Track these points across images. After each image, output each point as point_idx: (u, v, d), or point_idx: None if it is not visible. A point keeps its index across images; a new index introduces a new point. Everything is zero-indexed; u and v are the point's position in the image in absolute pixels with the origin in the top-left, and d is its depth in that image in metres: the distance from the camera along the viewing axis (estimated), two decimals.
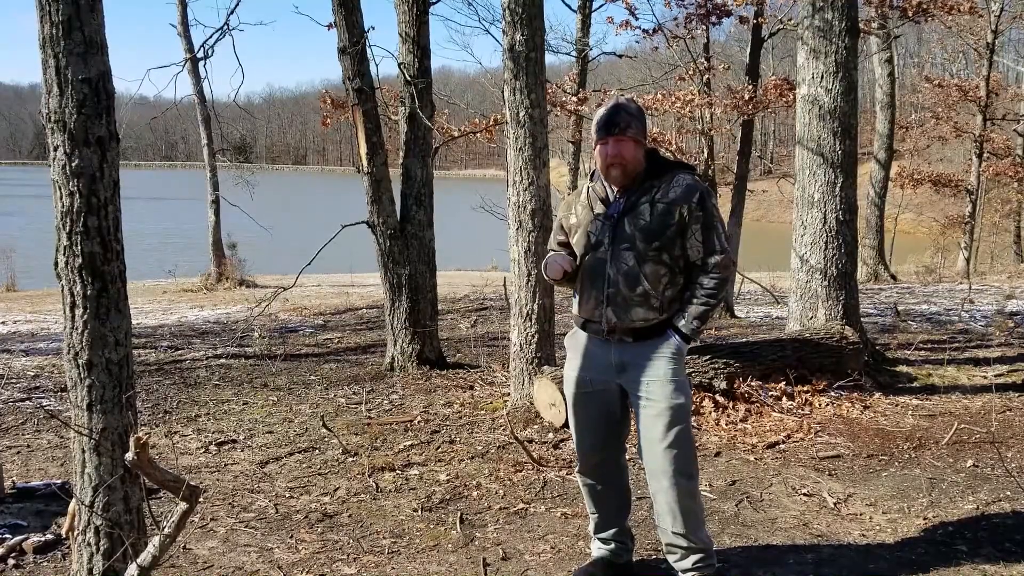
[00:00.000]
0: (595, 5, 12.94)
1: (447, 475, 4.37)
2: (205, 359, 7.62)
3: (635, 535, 3.32)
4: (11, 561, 3.36)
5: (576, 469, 3.21)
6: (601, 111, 2.98)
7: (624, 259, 2.90)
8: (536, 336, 5.39)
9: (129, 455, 2.22)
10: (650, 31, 10.20)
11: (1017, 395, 5.83)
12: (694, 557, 2.96)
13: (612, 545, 3.19)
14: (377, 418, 5.50)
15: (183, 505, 2.28)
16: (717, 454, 4.66)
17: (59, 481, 4.18)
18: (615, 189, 2.98)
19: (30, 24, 2.51)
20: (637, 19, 9.57)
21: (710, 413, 5.22)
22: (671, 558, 3.01)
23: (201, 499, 3.52)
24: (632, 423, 3.12)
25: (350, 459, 4.65)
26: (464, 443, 4.92)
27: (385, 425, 5.31)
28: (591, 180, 3.08)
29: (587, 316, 3.00)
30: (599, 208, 3.00)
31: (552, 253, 3.14)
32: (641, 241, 2.88)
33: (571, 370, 3.11)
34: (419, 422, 5.35)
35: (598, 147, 2.95)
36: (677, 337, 2.91)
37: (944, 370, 6.48)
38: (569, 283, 3.11)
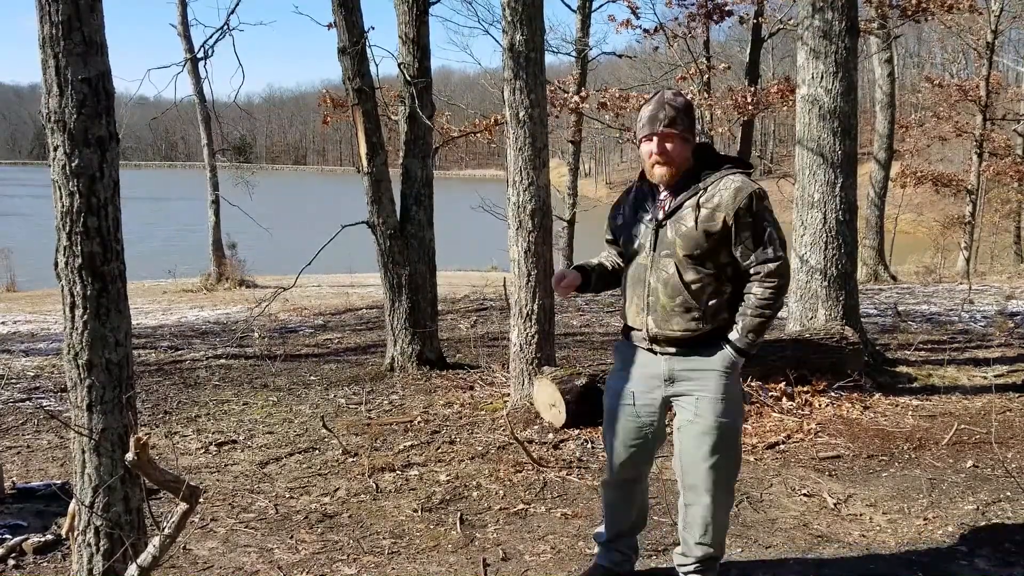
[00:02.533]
0: (595, 5, 12.96)
1: (447, 475, 4.37)
2: (205, 359, 7.62)
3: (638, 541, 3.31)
4: (11, 561, 3.36)
5: (603, 480, 3.12)
6: (645, 106, 2.82)
7: (664, 266, 2.75)
8: (536, 336, 5.38)
9: (129, 455, 2.22)
10: (651, 30, 10.22)
11: (1017, 395, 5.82)
12: (697, 564, 2.94)
13: (615, 555, 3.13)
14: (377, 418, 5.50)
15: (183, 505, 2.28)
16: None
17: (59, 481, 4.18)
18: (661, 189, 2.82)
19: (30, 24, 2.52)
20: (639, 18, 9.60)
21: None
22: (679, 559, 2.99)
23: (201, 499, 3.52)
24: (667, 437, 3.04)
25: (350, 459, 4.65)
26: (464, 443, 4.92)
27: (385, 425, 5.31)
28: (639, 179, 2.93)
29: (631, 323, 2.88)
30: (645, 209, 2.85)
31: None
32: (682, 248, 2.71)
33: (616, 381, 2.96)
34: (419, 422, 5.35)
35: (642, 144, 2.78)
36: (731, 351, 2.76)
37: (944, 370, 6.48)
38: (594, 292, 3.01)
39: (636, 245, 2.84)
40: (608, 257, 3.08)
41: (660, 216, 2.78)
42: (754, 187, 2.74)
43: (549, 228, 5.43)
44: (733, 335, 2.76)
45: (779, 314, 2.95)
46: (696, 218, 2.71)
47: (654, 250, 2.78)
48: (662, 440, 2.99)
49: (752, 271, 2.74)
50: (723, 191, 2.72)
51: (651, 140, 2.74)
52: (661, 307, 2.76)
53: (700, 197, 2.73)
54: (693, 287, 2.73)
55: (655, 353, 2.83)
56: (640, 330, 2.83)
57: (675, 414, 2.86)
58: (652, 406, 2.87)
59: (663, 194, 2.81)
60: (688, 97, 2.84)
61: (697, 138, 2.99)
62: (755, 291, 2.73)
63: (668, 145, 2.73)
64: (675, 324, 2.75)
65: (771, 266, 2.71)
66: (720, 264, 2.74)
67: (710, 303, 2.75)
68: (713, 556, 2.94)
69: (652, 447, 2.97)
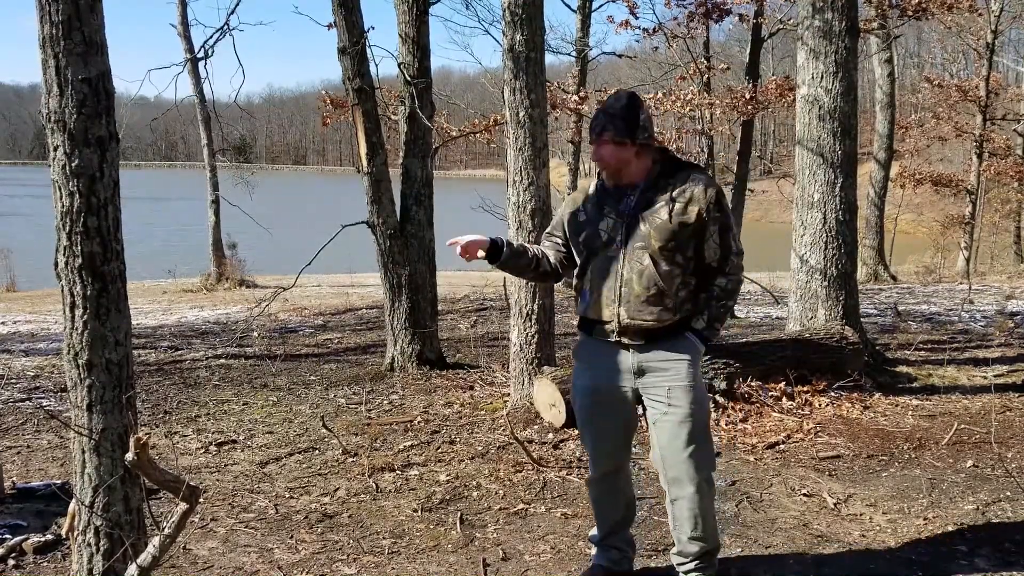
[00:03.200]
0: (595, 5, 12.95)
1: (447, 475, 4.37)
2: (205, 359, 7.62)
3: (635, 537, 3.31)
4: (11, 561, 3.36)
5: (587, 478, 3.17)
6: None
7: (638, 258, 2.82)
8: (536, 336, 5.39)
9: (129, 455, 2.22)
10: (650, 31, 10.19)
11: (1017, 395, 5.82)
12: (697, 561, 2.95)
13: (612, 553, 3.15)
14: (377, 418, 5.50)
15: (183, 505, 2.28)
16: (717, 454, 4.64)
17: (59, 481, 4.18)
18: (625, 185, 2.91)
19: (30, 24, 2.52)
20: (637, 18, 9.59)
21: (710, 413, 5.21)
22: (676, 559, 3.00)
23: (201, 499, 3.52)
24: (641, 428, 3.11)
25: (350, 459, 4.65)
26: (464, 443, 4.92)
27: (385, 425, 5.31)
28: (598, 177, 3.00)
29: (596, 316, 2.90)
30: (611, 205, 2.92)
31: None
32: (657, 240, 2.80)
33: (583, 379, 3.01)
34: (419, 422, 5.35)
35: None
36: (697, 340, 2.87)
37: (944, 370, 6.48)
38: (511, 271, 3.13)
39: (604, 239, 2.90)
40: (537, 247, 3.14)
41: (631, 210, 2.87)
42: (719, 185, 2.95)
43: None
44: (699, 324, 2.89)
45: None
46: (671, 211, 2.83)
47: (626, 243, 2.86)
48: (635, 429, 3.08)
49: (716, 264, 2.89)
50: (693, 186, 2.86)
51: (593, 146, 2.90)
52: (635, 297, 2.83)
53: (672, 192, 2.85)
54: (666, 278, 2.83)
55: (623, 346, 2.89)
56: (609, 322, 2.88)
57: (647, 408, 2.92)
58: (624, 399, 2.94)
59: (629, 190, 2.91)
60: (638, 98, 3.00)
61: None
62: (720, 282, 2.90)
63: (603, 151, 2.86)
64: (647, 314, 2.83)
65: (734, 259, 2.91)
66: (688, 257, 2.86)
67: (679, 294, 2.86)
68: (709, 550, 2.96)
69: (629, 437, 3.07)
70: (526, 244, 3.14)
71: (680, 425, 2.82)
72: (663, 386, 2.84)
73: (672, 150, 3.15)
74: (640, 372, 2.88)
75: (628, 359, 2.89)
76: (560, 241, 3.08)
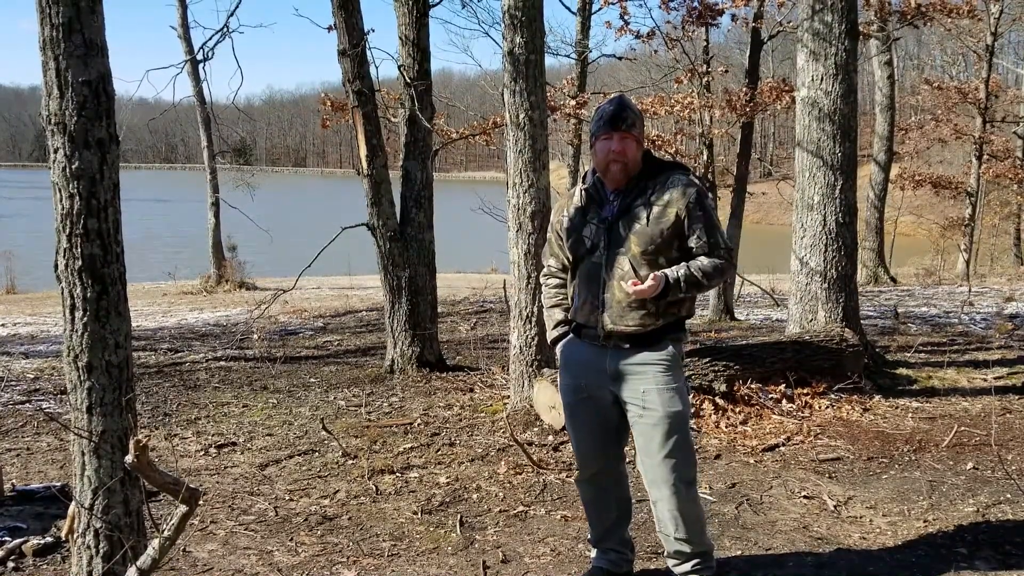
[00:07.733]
0: (594, 8, 12.94)
1: (447, 478, 4.37)
2: (205, 361, 7.62)
3: (634, 539, 3.31)
4: (11, 564, 3.36)
5: (575, 478, 3.19)
6: (605, 106, 2.90)
7: (619, 263, 2.83)
8: (536, 339, 5.38)
9: (129, 457, 2.22)
10: (646, 35, 10.17)
11: (1017, 397, 5.82)
12: (693, 561, 2.96)
13: (611, 555, 3.16)
14: (377, 421, 5.49)
15: (183, 508, 2.28)
16: (717, 457, 4.66)
17: (59, 484, 4.17)
18: (609, 190, 2.91)
19: (30, 26, 2.52)
20: (629, 24, 9.59)
21: (710, 416, 5.22)
22: (670, 562, 3.02)
23: (201, 502, 3.52)
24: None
25: (350, 462, 4.65)
26: (464, 446, 4.92)
27: (385, 428, 5.31)
28: (583, 182, 3.01)
29: (583, 321, 2.94)
30: (594, 211, 2.92)
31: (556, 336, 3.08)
32: (636, 244, 2.81)
33: (566, 378, 3.05)
34: (419, 425, 5.35)
35: (600, 142, 2.85)
36: (671, 346, 2.86)
37: (944, 372, 6.48)
38: None
39: (588, 245, 2.90)
40: (558, 295, 3.10)
41: (612, 215, 2.87)
42: (699, 184, 2.92)
43: None
44: (673, 275, 2.78)
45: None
46: (648, 215, 2.82)
47: (608, 248, 2.86)
48: (623, 429, 3.04)
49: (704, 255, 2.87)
50: (672, 188, 2.85)
51: (611, 138, 2.83)
52: (617, 303, 2.84)
53: (651, 196, 2.85)
54: None
55: (606, 349, 2.90)
56: (594, 328, 2.90)
57: (627, 411, 2.92)
58: (604, 400, 2.95)
59: (611, 195, 2.90)
60: (639, 106, 2.96)
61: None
62: (703, 259, 2.84)
63: (627, 145, 2.83)
64: (630, 320, 2.84)
65: (721, 251, 2.87)
66: (672, 259, 2.85)
67: (663, 298, 2.83)
68: (699, 552, 2.96)
69: (613, 438, 3.04)
70: (558, 308, 3.10)
71: (654, 427, 2.83)
72: (638, 389, 2.86)
73: (652, 152, 3.10)
74: (618, 376, 2.89)
75: (607, 363, 2.90)
76: (562, 264, 3.07)
